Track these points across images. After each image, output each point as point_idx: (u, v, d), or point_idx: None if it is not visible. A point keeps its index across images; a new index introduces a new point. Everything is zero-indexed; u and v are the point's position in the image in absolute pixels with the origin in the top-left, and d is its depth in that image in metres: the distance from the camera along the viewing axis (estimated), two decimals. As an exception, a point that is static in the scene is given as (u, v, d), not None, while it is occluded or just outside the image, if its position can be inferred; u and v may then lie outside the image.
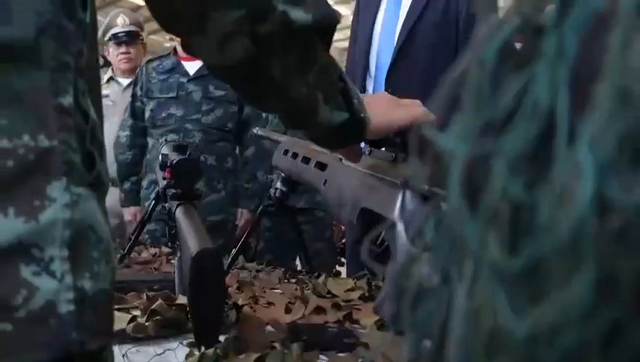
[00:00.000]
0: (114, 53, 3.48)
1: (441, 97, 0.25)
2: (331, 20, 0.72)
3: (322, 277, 1.64)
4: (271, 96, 0.73)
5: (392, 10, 2.17)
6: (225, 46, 0.62)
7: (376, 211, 0.97)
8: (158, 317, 1.11)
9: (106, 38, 3.51)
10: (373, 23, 2.20)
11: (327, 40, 0.75)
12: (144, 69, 3.02)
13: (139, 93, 3.00)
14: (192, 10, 0.59)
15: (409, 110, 0.90)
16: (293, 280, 1.69)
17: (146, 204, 2.88)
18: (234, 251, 1.71)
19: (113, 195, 3.14)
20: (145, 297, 1.27)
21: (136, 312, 1.22)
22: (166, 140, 1.65)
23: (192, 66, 2.93)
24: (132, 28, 3.47)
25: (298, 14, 0.65)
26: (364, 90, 2.19)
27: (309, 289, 1.48)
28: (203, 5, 0.58)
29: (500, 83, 0.25)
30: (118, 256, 1.88)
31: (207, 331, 0.95)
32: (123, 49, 3.45)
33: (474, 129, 0.25)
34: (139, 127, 3.03)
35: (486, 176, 0.23)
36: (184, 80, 2.91)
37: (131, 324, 1.08)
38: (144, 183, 3.02)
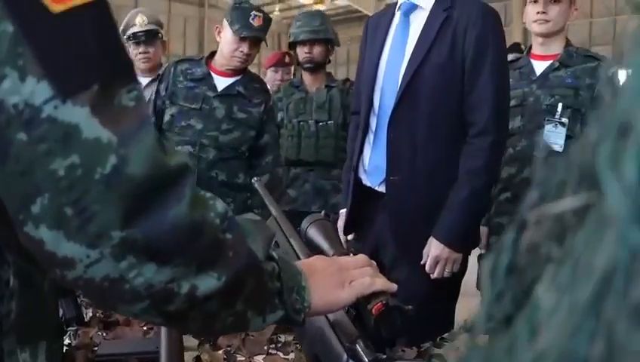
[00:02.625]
0: (133, 53, 3.50)
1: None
2: (254, 266, 0.70)
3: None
4: (192, 333, 0.75)
5: (397, 48, 2.15)
6: (136, 317, 0.65)
7: (324, 365, 1.03)
8: None
9: (125, 37, 3.55)
10: (379, 59, 2.18)
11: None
12: (172, 69, 3.00)
13: (162, 92, 2.98)
14: (99, 305, 0.64)
15: (352, 289, 0.89)
16: (282, 339, 1.76)
17: None
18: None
19: None
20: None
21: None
22: None
23: (222, 82, 2.94)
24: (151, 27, 3.50)
25: (208, 284, 0.63)
26: (367, 126, 2.22)
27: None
28: (110, 304, 0.61)
29: None
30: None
31: None
32: (142, 48, 3.48)
33: None
34: (155, 126, 3.06)
35: None
36: (211, 94, 2.91)
37: None
38: None
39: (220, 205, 0.67)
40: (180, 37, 27.34)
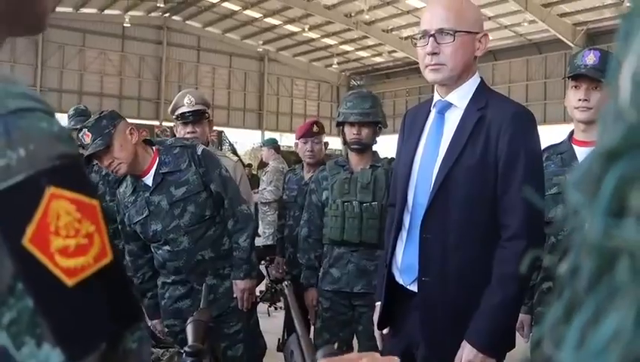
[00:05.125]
0: (181, 132, 3.62)
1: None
2: None
3: None
4: None
5: (431, 147, 2.15)
6: None
7: None
8: None
9: (173, 117, 3.67)
10: (414, 156, 2.18)
11: None
12: (119, 197, 3.09)
13: (126, 221, 3.06)
14: None
15: None
16: None
17: (162, 303, 3.08)
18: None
19: None
20: None
21: None
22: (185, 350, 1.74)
23: (149, 178, 2.96)
24: (198, 107, 3.60)
25: None
26: (401, 223, 2.20)
27: None
28: None
29: None
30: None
31: None
32: (189, 128, 3.58)
33: None
34: (136, 249, 3.14)
35: None
36: (148, 194, 2.96)
37: None
38: (159, 283, 3.14)
39: None
40: (240, 90, 27.97)
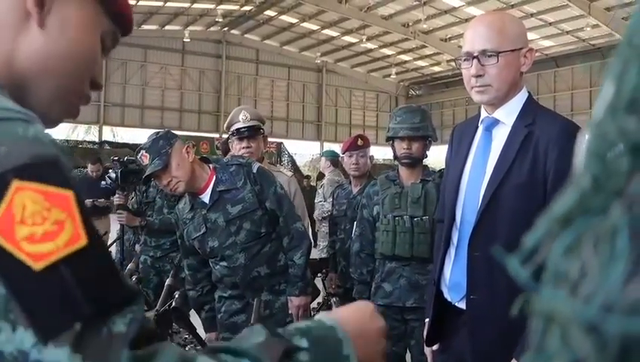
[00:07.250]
0: (236, 147, 3.69)
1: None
2: None
3: None
4: None
5: (478, 164, 2.14)
6: None
7: None
8: None
9: (229, 132, 3.75)
10: (462, 172, 2.18)
11: None
12: (178, 213, 3.16)
13: (185, 240, 3.13)
14: None
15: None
16: None
17: (219, 317, 3.14)
18: None
19: None
20: None
21: None
22: None
23: (206, 195, 3.01)
24: (253, 123, 3.68)
25: None
26: (449, 240, 2.21)
27: None
28: None
29: None
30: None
31: None
32: (244, 143, 3.66)
33: None
34: (195, 263, 3.20)
35: None
36: (205, 212, 3.00)
37: None
38: (216, 296, 3.20)
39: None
40: (299, 102, 28.16)
